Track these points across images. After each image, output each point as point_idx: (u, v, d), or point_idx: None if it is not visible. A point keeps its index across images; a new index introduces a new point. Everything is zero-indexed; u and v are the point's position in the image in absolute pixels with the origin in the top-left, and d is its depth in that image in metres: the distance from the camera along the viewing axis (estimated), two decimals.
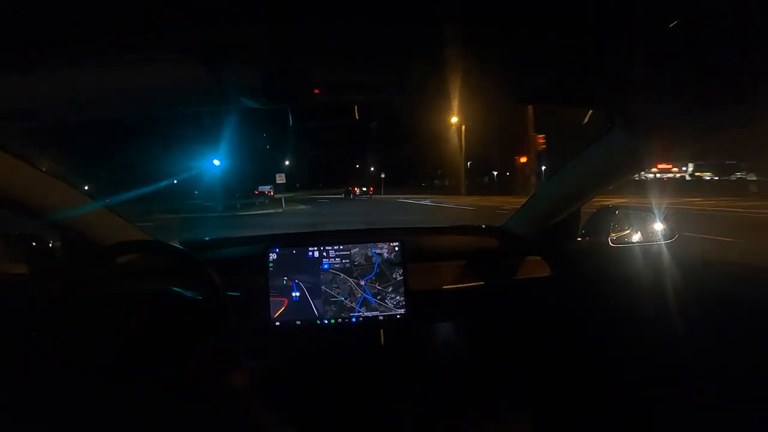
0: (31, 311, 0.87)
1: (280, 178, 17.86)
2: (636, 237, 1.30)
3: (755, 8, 0.54)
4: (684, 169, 24.03)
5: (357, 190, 30.32)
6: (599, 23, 0.60)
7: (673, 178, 23.73)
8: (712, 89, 0.72)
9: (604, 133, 1.03)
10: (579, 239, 1.38)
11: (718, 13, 0.56)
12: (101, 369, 0.78)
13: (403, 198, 22.98)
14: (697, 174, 23.53)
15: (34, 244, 1.11)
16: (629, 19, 0.59)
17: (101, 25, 0.57)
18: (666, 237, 1.25)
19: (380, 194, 29.85)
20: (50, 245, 1.13)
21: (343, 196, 29.01)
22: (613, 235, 1.28)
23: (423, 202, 18.40)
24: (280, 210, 15.95)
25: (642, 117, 0.89)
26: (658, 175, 22.94)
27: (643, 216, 1.31)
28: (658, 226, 1.28)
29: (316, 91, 0.83)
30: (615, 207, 1.30)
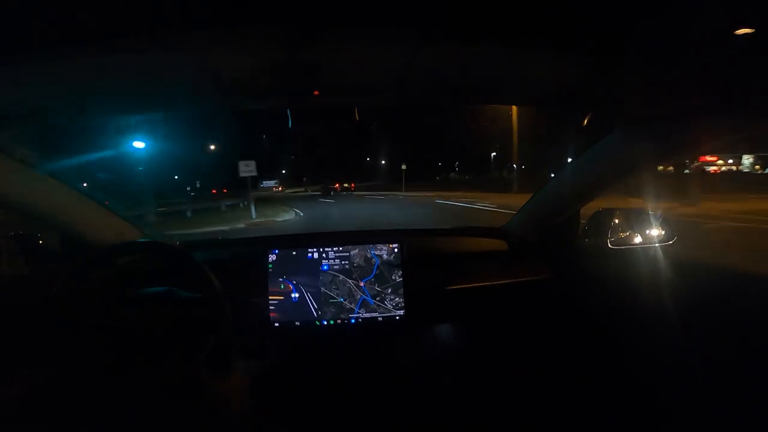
0: (31, 311, 0.87)
1: (247, 168, 10.20)
2: (635, 239, 1.30)
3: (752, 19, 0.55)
4: (731, 161, 20.31)
5: (338, 186, 27.96)
6: (601, 30, 0.60)
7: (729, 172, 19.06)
8: (711, 93, 0.73)
9: (605, 135, 1.03)
10: (578, 241, 1.38)
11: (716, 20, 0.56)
12: (100, 369, 0.78)
13: (440, 198, 16.00)
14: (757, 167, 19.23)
15: (33, 244, 1.11)
16: (630, 27, 0.59)
17: (101, 27, 0.57)
18: (665, 239, 1.26)
19: (401, 191, 24.07)
20: (50, 246, 1.13)
21: (321, 193, 25.95)
22: (613, 237, 1.28)
23: (477, 206, 11.94)
24: (242, 225, 9.83)
25: (641, 119, 0.90)
26: (709, 168, 18.57)
27: (642, 218, 1.31)
28: (657, 229, 1.28)
29: (316, 93, 0.83)
30: (614, 209, 1.31)
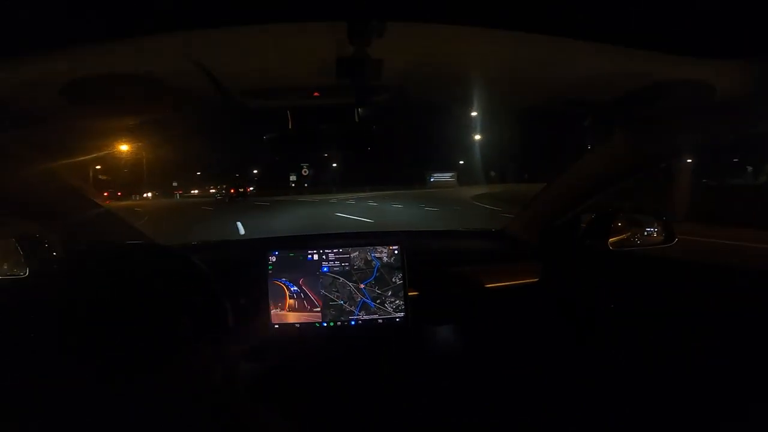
0: (31, 313, 0.86)
1: None
2: (635, 241, 1.30)
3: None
4: None
5: (234, 191, 28.52)
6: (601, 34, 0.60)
7: None
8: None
9: (605, 137, 1.04)
10: (579, 242, 1.38)
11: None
12: (100, 370, 0.78)
13: None
14: None
15: (33, 245, 1.11)
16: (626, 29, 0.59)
17: (102, 29, 0.57)
18: (665, 241, 1.26)
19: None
20: (50, 247, 1.13)
21: (221, 197, 25.95)
22: (612, 239, 1.28)
23: None
24: None
25: (642, 120, 0.90)
26: None
27: (643, 220, 1.31)
28: (657, 230, 1.28)
29: (316, 94, 0.84)
30: (614, 211, 1.31)
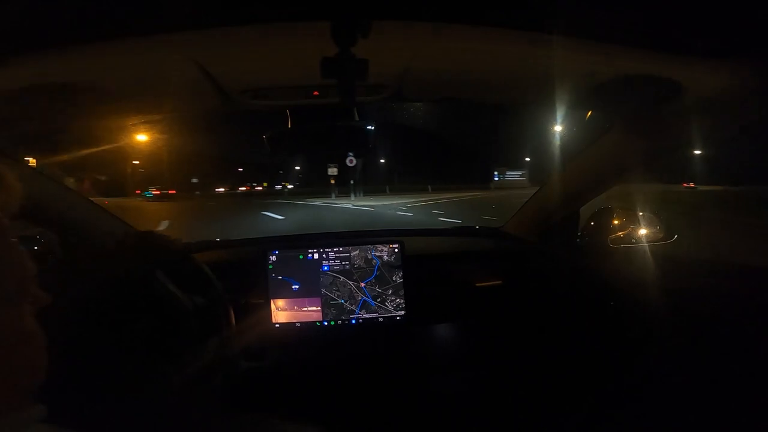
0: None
1: None
2: (635, 238, 1.30)
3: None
4: None
5: (159, 191, 28.80)
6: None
7: None
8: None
9: (604, 134, 1.04)
10: (578, 240, 1.38)
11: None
12: (100, 371, 0.78)
13: None
14: None
15: (32, 246, 1.11)
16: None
17: (102, 28, 0.57)
18: (664, 237, 1.26)
19: None
20: (49, 248, 1.13)
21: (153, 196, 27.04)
22: (612, 236, 1.28)
23: None
24: None
25: (640, 118, 0.90)
26: None
27: (642, 217, 1.31)
28: (657, 227, 1.28)
29: (316, 93, 0.83)
30: (614, 208, 1.31)
